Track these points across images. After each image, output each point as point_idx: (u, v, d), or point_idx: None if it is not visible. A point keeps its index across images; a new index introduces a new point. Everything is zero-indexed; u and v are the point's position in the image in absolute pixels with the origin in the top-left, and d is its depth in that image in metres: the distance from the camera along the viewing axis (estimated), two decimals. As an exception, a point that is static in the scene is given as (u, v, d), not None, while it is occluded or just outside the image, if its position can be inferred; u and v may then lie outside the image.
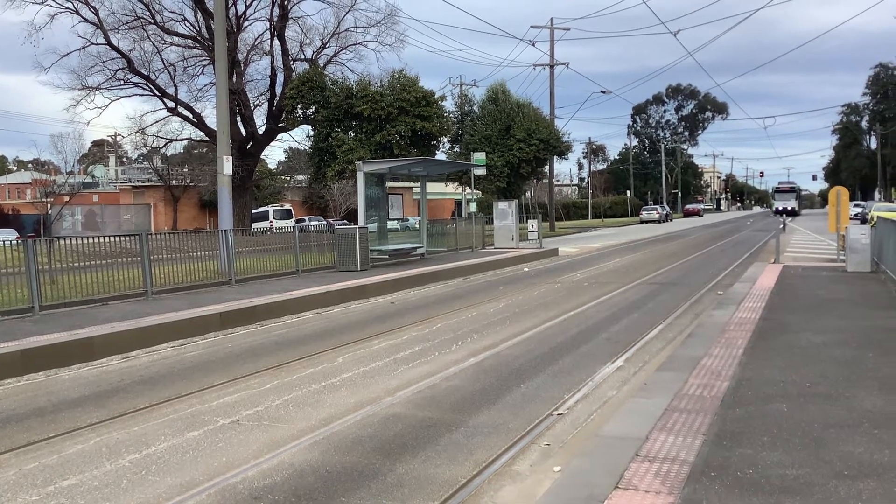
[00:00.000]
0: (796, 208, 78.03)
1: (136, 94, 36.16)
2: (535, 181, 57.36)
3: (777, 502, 4.31)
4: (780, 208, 73.90)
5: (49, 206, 39.49)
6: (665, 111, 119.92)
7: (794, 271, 17.36)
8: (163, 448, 6.04)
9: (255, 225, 36.63)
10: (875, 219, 21.91)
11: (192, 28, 35.06)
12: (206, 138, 36.77)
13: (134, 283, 14.03)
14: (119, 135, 67.13)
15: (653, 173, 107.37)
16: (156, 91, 35.40)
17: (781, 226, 43.04)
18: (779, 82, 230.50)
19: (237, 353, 9.92)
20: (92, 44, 33.48)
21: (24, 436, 6.46)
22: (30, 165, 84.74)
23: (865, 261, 16.73)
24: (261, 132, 36.62)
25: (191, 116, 36.02)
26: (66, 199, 42.54)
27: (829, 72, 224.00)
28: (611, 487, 4.60)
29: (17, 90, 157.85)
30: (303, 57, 36.60)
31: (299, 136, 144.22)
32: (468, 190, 39.84)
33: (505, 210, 29.27)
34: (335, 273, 18.40)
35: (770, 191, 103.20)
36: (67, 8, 32.69)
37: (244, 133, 35.58)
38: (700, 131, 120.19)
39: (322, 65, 35.28)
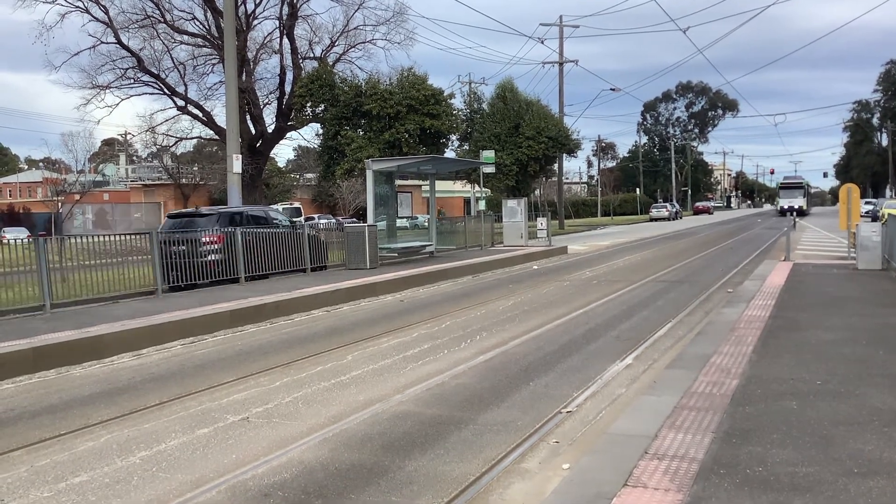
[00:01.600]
0: (804, 207, 68.68)
1: (146, 93, 36.49)
2: (544, 179, 57.26)
3: (786, 500, 4.30)
4: (786, 207, 65.46)
5: (60, 204, 39.68)
6: (675, 108, 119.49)
7: (804, 269, 17.28)
8: (173, 445, 6.07)
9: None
10: (886, 216, 21.76)
11: (201, 27, 35.26)
12: (216, 137, 36.96)
13: (144, 281, 14.12)
14: (129, 133, 67.69)
15: (663, 171, 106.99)
16: (166, 90, 35.60)
17: (792, 223, 42.82)
18: (789, 79, 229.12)
19: (247, 351, 9.96)
20: (102, 43, 33.76)
21: (35, 433, 6.51)
22: (41, 164, 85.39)
23: (876, 258, 16.65)
24: (270, 130, 36.75)
25: (200, 115, 36.20)
26: (77, 197, 42.72)
27: (839, 68, 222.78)
28: (619, 485, 4.60)
29: (28, 89, 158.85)
30: (312, 55, 36.76)
31: (308, 135, 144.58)
32: (477, 188, 39.84)
33: (514, 208, 29.25)
34: (344, 271, 18.44)
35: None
36: (78, 7, 32.96)
37: (253, 131, 35.71)
38: (710, 128, 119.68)
39: (331, 63, 35.37)
